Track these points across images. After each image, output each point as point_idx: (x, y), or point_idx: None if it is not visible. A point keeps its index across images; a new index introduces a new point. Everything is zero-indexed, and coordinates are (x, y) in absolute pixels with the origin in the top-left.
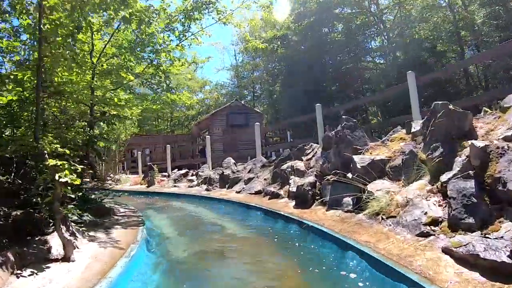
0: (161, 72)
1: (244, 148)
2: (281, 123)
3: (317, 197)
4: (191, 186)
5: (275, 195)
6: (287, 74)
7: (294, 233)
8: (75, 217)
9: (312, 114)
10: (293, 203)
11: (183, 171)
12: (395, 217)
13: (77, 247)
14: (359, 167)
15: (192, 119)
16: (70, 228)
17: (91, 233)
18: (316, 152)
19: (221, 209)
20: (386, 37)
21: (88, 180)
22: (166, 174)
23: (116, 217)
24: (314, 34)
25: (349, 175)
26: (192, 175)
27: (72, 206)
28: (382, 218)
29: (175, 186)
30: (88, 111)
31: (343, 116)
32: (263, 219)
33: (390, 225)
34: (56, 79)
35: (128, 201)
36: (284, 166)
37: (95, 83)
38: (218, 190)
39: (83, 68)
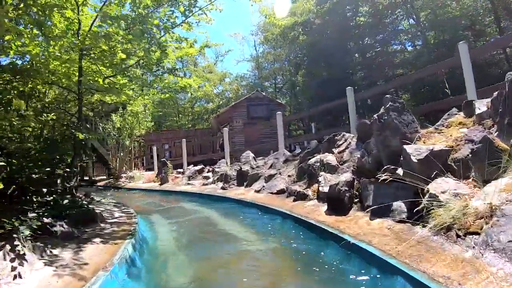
0: (156, 47)
1: (266, 141)
2: (305, 113)
3: (355, 200)
4: (206, 184)
5: (301, 196)
6: (309, 63)
7: (331, 254)
8: (28, 232)
9: (341, 100)
10: (325, 207)
11: (198, 167)
12: (478, 234)
13: (20, 276)
14: (415, 160)
15: (212, 112)
16: (17, 247)
17: (56, 251)
18: (349, 143)
19: (236, 213)
20: (415, 18)
21: (104, 177)
22: (181, 170)
23: (103, 225)
24: (337, 18)
25: (399, 171)
26: (208, 171)
27: (34, 214)
28: (458, 235)
29: (188, 183)
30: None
31: (387, 96)
32: (287, 228)
33: (473, 247)
34: (11, 52)
35: (135, 201)
36: (312, 161)
37: (88, 67)
38: (235, 189)
39: (65, 45)
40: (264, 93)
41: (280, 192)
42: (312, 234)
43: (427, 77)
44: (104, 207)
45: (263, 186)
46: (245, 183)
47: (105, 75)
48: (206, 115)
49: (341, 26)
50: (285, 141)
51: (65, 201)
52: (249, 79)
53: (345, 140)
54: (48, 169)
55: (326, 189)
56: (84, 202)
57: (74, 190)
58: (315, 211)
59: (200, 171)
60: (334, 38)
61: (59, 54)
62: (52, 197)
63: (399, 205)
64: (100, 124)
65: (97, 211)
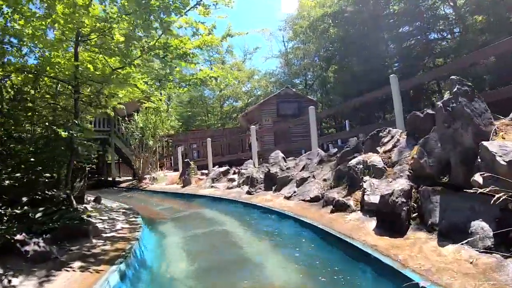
0: (157, 23)
1: (297, 140)
2: (338, 107)
3: (413, 215)
4: (231, 187)
5: (340, 206)
6: (341, 57)
7: None
8: None
9: (381, 90)
10: (372, 223)
11: (223, 169)
12: None
13: None
14: (502, 162)
15: (241, 111)
16: None
17: (18, 279)
18: (397, 140)
19: (262, 224)
20: (454, 2)
21: (130, 178)
22: (206, 171)
23: (95, 241)
24: (369, 7)
25: (477, 177)
26: (234, 173)
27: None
28: None
29: (212, 186)
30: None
31: (453, 77)
32: (325, 251)
33: None
34: None
35: (152, 206)
36: (353, 162)
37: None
38: (262, 194)
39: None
40: (293, 90)
41: (314, 199)
42: (359, 264)
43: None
44: (108, 215)
45: (294, 192)
46: (273, 187)
47: (113, 67)
48: (235, 113)
49: (373, 15)
50: (318, 140)
51: (51, 212)
52: (278, 76)
53: (392, 137)
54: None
55: (373, 199)
56: (77, 212)
57: (70, 198)
58: (361, 229)
59: (225, 173)
60: (367, 29)
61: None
62: (25, 208)
63: (480, 225)
64: (123, 124)
65: (95, 221)
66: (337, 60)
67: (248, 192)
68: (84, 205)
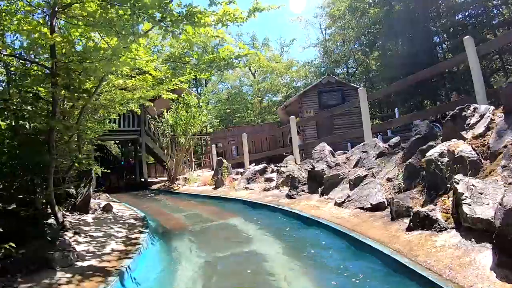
0: None
1: (342, 132)
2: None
3: None
4: (268, 189)
5: (422, 221)
6: (384, 40)
7: None
8: None
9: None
10: (485, 254)
11: (259, 167)
12: None
13: None
14: None
15: (280, 104)
16: None
17: None
18: (491, 120)
19: (307, 246)
20: None
21: (165, 178)
22: (241, 170)
23: (60, 275)
24: None
25: None
26: (272, 171)
27: None
28: None
29: (246, 188)
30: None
31: None
32: None
33: None
34: None
35: (177, 212)
36: (433, 154)
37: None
38: (305, 198)
39: None
40: (336, 77)
41: (377, 207)
42: None
43: None
44: (107, 229)
45: (348, 196)
46: (319, 190)
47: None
48: (274, 107)
49: None
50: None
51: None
52: (318, 66)
53: (481, 116)
54: None
55: (479, 212)
56: (51, 230)
57: (45, 210)
58: (467, 266)
59: (262, 172)
60: (412, 3)
61: None
62: None
63: None
64: (153, 122)
65: (81, 241)
66: (379, 44)
67: (289, 196)
68: (80, 216)
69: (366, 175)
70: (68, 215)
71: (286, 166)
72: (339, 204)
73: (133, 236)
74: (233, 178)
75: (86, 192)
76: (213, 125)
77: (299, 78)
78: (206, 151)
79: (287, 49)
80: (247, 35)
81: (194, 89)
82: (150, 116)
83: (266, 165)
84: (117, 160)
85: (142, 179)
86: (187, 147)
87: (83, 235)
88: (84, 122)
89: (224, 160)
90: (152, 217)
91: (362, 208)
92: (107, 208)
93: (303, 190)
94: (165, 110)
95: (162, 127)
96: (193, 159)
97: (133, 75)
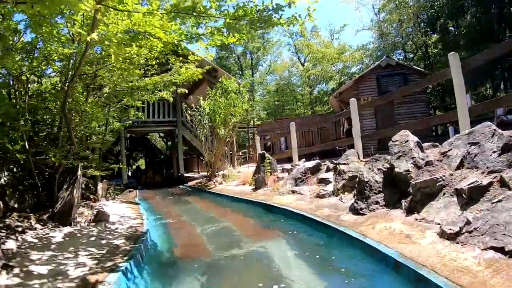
0: None
1: (405, 122)
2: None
3: None
4: (322, 195)
5: None
6: (448, 16)
7: None
8: None
9: None
10: None
11: (311, 164)
12: None
13: None
14: None
15: (332, 92)
16: None
17: None
18: None
19: None
20: None
21: (205, 174)
22: (288, 167)
23: None
24: None
25: None
26: (328, 170)
27: None
28: None
29: (293, 191)
30: None
31: None
32: None
33: None
34: None
35: (200, 224)
36: None
37: None
38: (381, 215)
39: None
40: (397, 60)
41: None
42: None
43: None
44: (60, 261)
45: (466, 224)
46: (403, 203)
47: None
48: (326, 97)
49: None
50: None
51: None
52: (372, 51)
53: None
54: None
55: None
56: None
57: None
58: None
59: (315, 170)
60: None
61: None
62: None
63: None
64: (189, 112)
65: None
66: (442, 23)
67: (355, 209)
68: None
69: (490, 184)
70: (39, 228)
71: (347, 164)
72: (451, 237)
73: (92, 279)
74: (277, 177)
75: (68, 196)
76: (261, 117)
77: (354, 62)
78: (253, 144)
79: (337, 36)
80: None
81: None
82: (185, 105)
83: (319, 161)
84: (162, 154)
85: (179, 174)
86: (227, 139)
87: (16, 269)
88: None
89: (267, 155)
90: (166, 230)
91: (500, 250)
92: (99, 218)
93: (376, 202)
94: (201, 98)
95: (199, 117)
96: (236, 153)
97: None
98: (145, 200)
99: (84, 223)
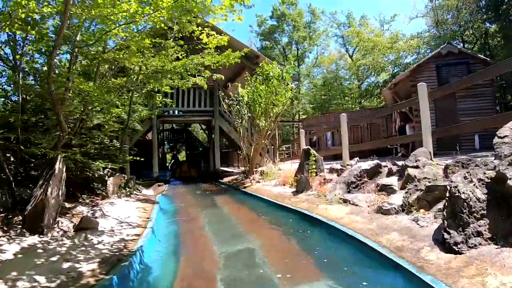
0: None
1: (468, 119)
2: None
3: None
4: (386, 211)
5: None
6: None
7: None
8: None
9: None
10: None
11: (367, 165)
12: None
13: None
14: None
15: (384, 85)
16: None
17: None
18: None
19: None
20: None
21: (244, 169)
22: (337, 167)
23: None
24: None
25: None
26: (390, 173)
27: None
28: None
29: (345, 200)
30: None
31: None
32: None
33: None
34: None
35: (219, 246)
36: None
37: None
38: (490, 255)
39: None
40: (459, 47)
41: None
42: None
43: None
44: None
45: None
46: None
47: None
48: (377, 89)
49: None
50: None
51: None
52: (429, 38)
53: None
54: None
55: None
56: None
57: None
58: None
59: (373, 173)
60: None
61: None
62: None
63: None
64: (226, 101)
65: None
66: (506, 9)
67: (445, 242)
68: None
69: None
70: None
71: (419, 167)
72: None
73: None
74: (324, 179)
75: (40, 196)
76: (306, 111)
77: (409, 51)
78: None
79: (388, 26)
80: (342, 14)
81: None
82: (223, 94)
83: (379, 162)
84: (202, 146)
85: (215, 169)
86: (268, 131)
87: None
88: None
89: (313, 150)
90: (173, 245)
91: None
92: (82, 225)
93: (478, 233)
94: (239, 85)
95: (237, 106)
96: (279, 148)
97: None
98: (170, 197)
99: (59, 231)
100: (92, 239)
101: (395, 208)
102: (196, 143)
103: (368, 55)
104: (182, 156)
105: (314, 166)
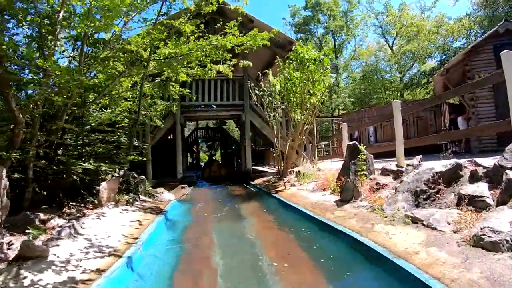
0: None
1: None
2: None
3: None
4: (490, 244)
5: None
6: None
7: None
8: None
9: None
10: None
11: (442, 165)
12: None
13: None
14: None
15: (431, 73)
16: None
17: None
18: None
19: None
20: None
21: (278, 169)
22: (392, 168)
23: None
24: None
25: None
26: (475, 177)
27: None
28: None
29: (413, 219)
30: None
31: None
32: None
33: None
34: None
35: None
36: None
37: None
38: None
39: None
40: None
41: None
42: None
43: None
44: None
45: None
46: None
47: None
48: (424, 78)
49: None
50: None
51: None
52: (480, 18)
53: None
54: None
55: None
56: None
57: None
58: None
59: (449, 178)
60: None
61: None
62: None
63: None
64: (256, 92)
65: None
66: None
67: None
68: None
69: None
70: None
71: None
72: None
73: None
74: (377, 184)
75: None
76: (346, 106)
77: (460, 32)
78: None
79: (429, 13)
80: (379, 2)
81: None
82: (252, 84)
83: (457, 161)
84: (235, 144)
85: (247, 168)
86: (305, 126)
87: None
88: None
89: (362, 147)
90: None
91: None
92: (23, 253)
93: None
94: (270, 73)
95: (268, 98)
96: (317, 145)
97: None
98: (187, 203)
99: None
100: (25, 277)
101: (504, 241)
102: (230, 141)
103: (412, 41)
104: (218, 155)
105: (363, 168)
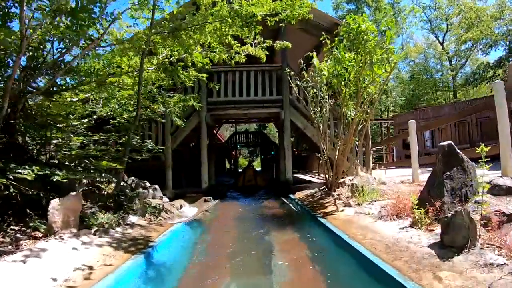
0: None
1: None
2: None
3: None
4: None
5: None
6: None
7: None
8: None
9: None
10: None
11: None
12: None
13: None
14: None
15: (496, 65)
16: None
17: None
18: None
19: None
20: None
21: (325, 178)
22: (506, 183)
23: None
24: None
25: None
26: None
27: None
28: None
29: None
30: None
31: None
32: None
33: None
34: None
35: None
36: None
37: None
38: None
39: None
40: None
41: None
42: None
43: None
44: None
45: None
46: None
47: None
48: (489, 71)
49: None
50: None
51: None
52: None
53: None
54: None
55: None
56: None
57: None
58: None
59: None
60: None
61: None
62: None
63: None
64: (297, 83)
65: None
66: None
67: None
68: None
69: None
70: None
71: None
72: None
73: None
74: (500, 213)
75: None
76: (397, 104)
77: None
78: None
79: (482, 3)
80: None
81: None
82: (292, 73)
83: None
84: (277, 149)
85: (286, 178)
86: (360, 125)
87: None
88: None
89: (465, 157)
90: None
91: None
92: None
93: None
94: (314, 55)
95: (313, 90)
96: (371, 150)
97: None
98: (201, 227)
99: None
100: None
101: None
102: (270, 146)
103: (473, 30)
104: (257, 162)
105: (483, 186)
